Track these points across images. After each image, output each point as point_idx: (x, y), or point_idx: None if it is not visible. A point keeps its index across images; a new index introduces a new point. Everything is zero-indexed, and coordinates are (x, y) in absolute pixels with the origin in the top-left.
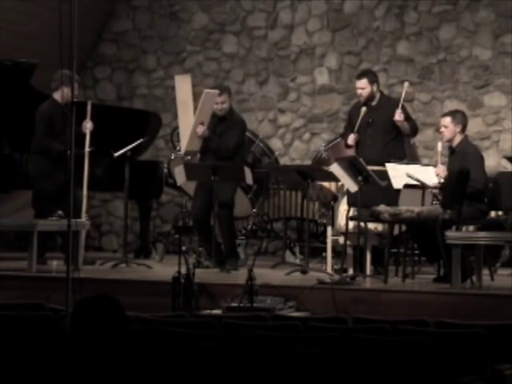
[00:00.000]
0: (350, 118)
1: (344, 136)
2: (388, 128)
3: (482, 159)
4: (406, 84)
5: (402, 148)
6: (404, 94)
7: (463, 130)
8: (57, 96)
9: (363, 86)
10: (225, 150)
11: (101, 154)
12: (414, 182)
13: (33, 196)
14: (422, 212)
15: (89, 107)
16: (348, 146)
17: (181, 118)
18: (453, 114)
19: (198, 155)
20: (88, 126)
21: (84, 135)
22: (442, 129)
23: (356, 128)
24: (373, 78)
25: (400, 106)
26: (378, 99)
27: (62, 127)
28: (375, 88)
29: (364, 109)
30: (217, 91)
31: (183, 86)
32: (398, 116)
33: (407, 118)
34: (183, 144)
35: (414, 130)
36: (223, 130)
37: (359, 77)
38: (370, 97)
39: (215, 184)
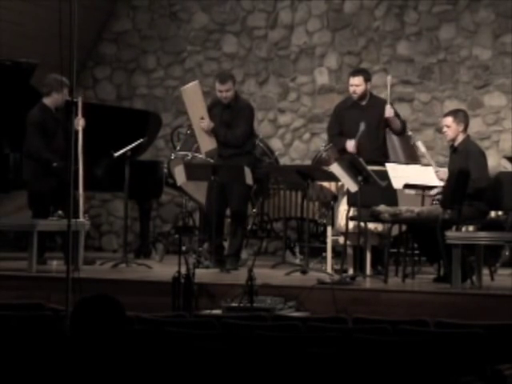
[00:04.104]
0: (339, 117)
1: (335, 139)
2: (378, 127)
3: (484, 157)
4: (389, 78)
5: (386, 148)
6: (390, 88)
7: (465, 129)
8: (47, 101)
9: (358, 83)
10: (233, 139)
11: (101, 153)
12: (415, 182)
13: (28, 198)
14: (422, 212)
15: (80, 104)
16: (344, 152)
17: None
18: (454, 113)
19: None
20: (80, 122)
21: (77, 133)
22: (445, 129)
23: (357, 137)
24: (367, 76)
25: (388, 101)
26: (368, 99)
27: (54, 131)
28: (369, 86)
29: None
30: (195, 82)
31: (193, 96)
32: (388, 112)
33: (396, 115)
34: (202, 148)
35: (403, 127)
36: (229, 118)
37: (354, 74)
38: (363, 95)
39: (215, 184)
